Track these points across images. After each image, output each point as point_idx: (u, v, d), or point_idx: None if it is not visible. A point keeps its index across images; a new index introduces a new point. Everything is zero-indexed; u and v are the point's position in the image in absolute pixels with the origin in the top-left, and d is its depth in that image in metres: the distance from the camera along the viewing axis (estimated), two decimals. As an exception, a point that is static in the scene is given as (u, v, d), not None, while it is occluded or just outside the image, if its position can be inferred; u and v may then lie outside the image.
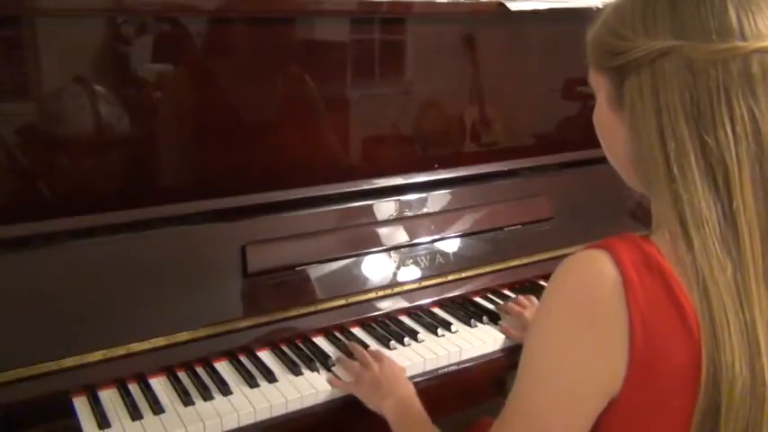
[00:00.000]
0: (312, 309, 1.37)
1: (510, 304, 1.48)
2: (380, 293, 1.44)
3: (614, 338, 0.74)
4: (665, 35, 0.74)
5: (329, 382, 1.22)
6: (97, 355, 1.17)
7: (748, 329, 0.72)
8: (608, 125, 0.84)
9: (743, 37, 0.72)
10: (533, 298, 1.48)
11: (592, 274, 0.75)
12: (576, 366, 0.77)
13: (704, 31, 0.73)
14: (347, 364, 1.26)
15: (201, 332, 1.26)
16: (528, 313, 1.41)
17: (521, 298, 1.49)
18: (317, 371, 1.25)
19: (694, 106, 0.73)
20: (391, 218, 1.51)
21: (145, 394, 1.16)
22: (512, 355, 1.36)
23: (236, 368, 1.25)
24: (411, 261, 1.49)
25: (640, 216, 1.63)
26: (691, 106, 0.73)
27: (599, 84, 0.84)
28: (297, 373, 1.24)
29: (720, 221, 0.73)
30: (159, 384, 1.20)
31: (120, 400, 1.15)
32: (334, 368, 1.26)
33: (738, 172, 0.73)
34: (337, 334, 1.38)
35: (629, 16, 0.78)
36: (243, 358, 1.28)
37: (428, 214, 1.55)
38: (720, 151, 0.73)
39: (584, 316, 0.75)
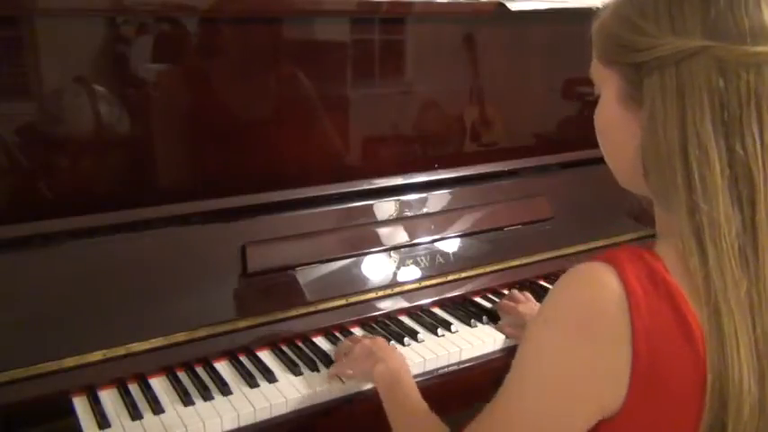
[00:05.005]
0: (312, 309, 1.37)
1: (504, 301, 1.46)
2: (380, 293, 1.44)
3: (616, 355, 0.71)
4: (695, 35, 0.70)
5: (328, 373, 1.22)
6: (97, 355, 1.17)
7: (758, 347, 0.70)
8: (615, 123, 0.80)
9: None
10: (528, 294, 1.48)
11: (595, 288, 0.72)
12: (575, 382, 0.74)
13: (738, 32, 0.69)
14: (339, 345, 1.26)
15: (201, 332, 1.26)
16: (522, 308, 1.39)
17: (515, 292, 1.48)
18: (317, 371, 1.25)
19: (724, 111, 0.69)
20: (391, 218, 1.51)
21: (145, 394, 1.16)
22: (512, 355, 1.35)
23: (236, 368, 1.25)
24: (411, 261, 1.49)
25: (640, 216, 1.63)
26: (720, 111, 0.69)
27: (606, 78, 0.79)
28: (297, 373, 1.24)
29: (740, 235, 0.70)
30: (159, 384, 1.20)
31: (120, 400, 1.15)
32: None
33: (764, 183, 0.70)
34: (337, 334, 1.38)
35: (652, 10, 0.73)
36: (243, 358, 1.28)
37: (428, 214, 1.55)
38: (747, 160, 0.69)
39: (586, 330, 0.72)
